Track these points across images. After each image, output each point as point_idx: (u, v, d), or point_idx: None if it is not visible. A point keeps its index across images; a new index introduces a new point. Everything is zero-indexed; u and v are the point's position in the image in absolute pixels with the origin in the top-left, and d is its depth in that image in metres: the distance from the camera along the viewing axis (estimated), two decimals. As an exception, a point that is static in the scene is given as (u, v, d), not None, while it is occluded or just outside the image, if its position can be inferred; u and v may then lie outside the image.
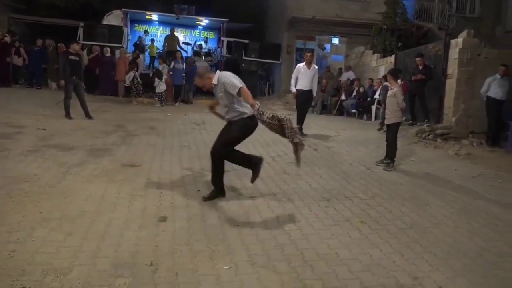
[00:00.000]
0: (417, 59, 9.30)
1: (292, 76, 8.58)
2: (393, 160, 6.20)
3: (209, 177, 5.19)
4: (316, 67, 8.54)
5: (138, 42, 15.75)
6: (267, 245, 3.44)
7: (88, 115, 8.77)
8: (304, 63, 8.48)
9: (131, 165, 5.66)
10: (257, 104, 4.03)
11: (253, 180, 4.45)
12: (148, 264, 3.01)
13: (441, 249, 3.62)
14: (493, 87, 8.44)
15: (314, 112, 12.96)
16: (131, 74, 12.22)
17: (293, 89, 8.39)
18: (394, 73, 6.62)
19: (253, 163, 4.44)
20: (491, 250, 3.67)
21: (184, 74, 12.60)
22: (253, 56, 15.42)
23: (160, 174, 5.30)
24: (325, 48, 18.42)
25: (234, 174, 5.25)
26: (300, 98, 8.35)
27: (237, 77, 4.30)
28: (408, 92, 9.44)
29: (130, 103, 12.10)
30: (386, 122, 6.43)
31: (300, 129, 8.01)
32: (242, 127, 4.33)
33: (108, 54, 13.47)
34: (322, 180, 5.41)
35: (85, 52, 13.31)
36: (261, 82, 16.49)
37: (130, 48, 15.57)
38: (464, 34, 8.89)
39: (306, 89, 8.24)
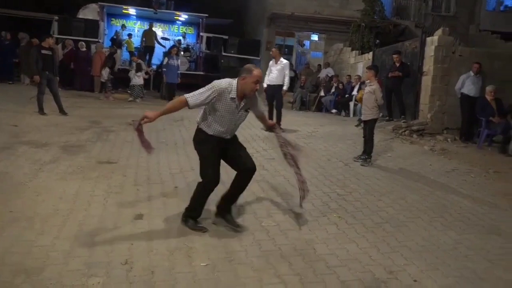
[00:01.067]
0: (394, 56, 9.44)
1: (267, 72, 8.69)
2: (370, 155, 6.28)
3: (187, 173, 5.20)
4: (285, 61, 8.49)
5: (115, 37, 15.45)
6: (244, 242, 3.43)
7: (62, 111, 8.55)
8: (273, 59, 8.57)
9: (107, 162, 5.55)
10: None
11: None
12: (123, 262, 2.95)
13: (416, 242, 3.69)
14: (467, 84, 8.64)
15: (293, 109, 13.03)
16: (107, 70, 11.98)
17: (264, 85, 8.47)
18: (375, 68, 6.68)
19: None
20: (464, 243, 3.76)
21: (179, 72, 12.00)
22: (232, 52, 15.35)
23: (137, 171, 5.21)
24: (304, 45, 18.51)
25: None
26: (268, 92, 8.44)
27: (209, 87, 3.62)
28: (385, 89, 9.58)
29: (106, 98, 11.84)
30: (364, 118, 6.48)
31: (279, 125, 8.03)
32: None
33: (84, 49, 13.15)
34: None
35: (59, 46, 12.97)
36: (240, 78, 16.39)
37: (107, 43, 15.28)
38: (439, 32, 9.06)
39: (272, 83, 8.31)
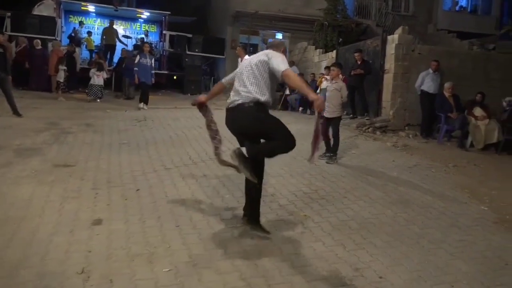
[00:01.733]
0: (356, 54, 9.59)
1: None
2: (335, 153, 6.31)
3: (150, 175, 5.04)
4: (248, 57, 8.47)
5: (73, 35, 14.86)
6: (209, 245, 3.33)
7: (16, 112, 8.10)
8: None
9: (64, 165, 5.29)
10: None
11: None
12: (79, 272, 2.79)
13: (380, 238, 3.72)
14: (426, 81, 8.90)
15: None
16: (63, 69, 11.45)
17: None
18: (341, 66, 6.73)
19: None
20: (425, 237, 3.83)
21: (153, 72, 10.90)
22: (196, 50, 15.11)
23: (96, 174, 4.99)
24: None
25: (176, 171, 5.08)
26: None
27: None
28: (348, 87, 9.72)
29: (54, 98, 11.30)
30: (328, 115, 6.40)
31: None
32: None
33: (39, 47, 12.54)
34: (265, 175, 5.32)
35: (13, 44, 12.32)
36: (205, 77, 16.23)
37: (65, 40, 14.67)
38: (399, 30, 9.28)
39: None
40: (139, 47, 15.39)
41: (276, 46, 3.67)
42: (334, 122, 6.34)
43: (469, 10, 20.55)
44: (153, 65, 10.43)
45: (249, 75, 3.39)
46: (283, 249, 3.34)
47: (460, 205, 4.81)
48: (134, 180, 4.86)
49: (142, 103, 10.42)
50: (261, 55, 3.49)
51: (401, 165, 6.42)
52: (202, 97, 3.89)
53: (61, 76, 11.35)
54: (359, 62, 9.53)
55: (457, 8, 20.45)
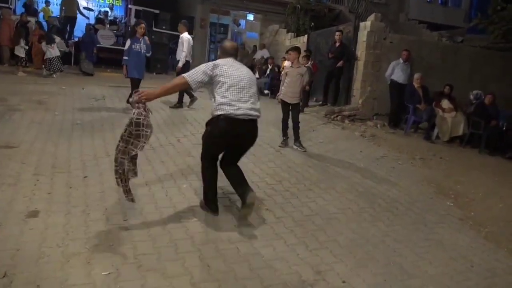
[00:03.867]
0: (337, 33, 9.25)
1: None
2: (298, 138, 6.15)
3: (102, 160, 4.63)
4: (187, 36, 8.39)
5: (28, 3, 13.77)
6: (159, 242, 3.00)
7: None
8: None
9: (6, 146, 4.77)
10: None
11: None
12: (0, 275, 2.40)
13: (345, 236, 3.51)
14: (396, 71, 8.77)
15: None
16: (22, 41, 10.58)
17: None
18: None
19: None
20: (391, 235, 3.66)
21: (144, 61, 7.77)
22: (164, 28, 14.39)
23: (40, 158, 4.52)
24: (240, 24, 18.00)
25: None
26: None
27: (209, 65, 3.30)
28: (326, 72, 9.50)
29: (14, 73, 10.49)
30: (292, 101, 6.12)
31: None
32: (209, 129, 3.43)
33: None
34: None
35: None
36: (173, 56, 15.56)
37: (19, 9, 13.60)
38: (372, 17, 9.07)
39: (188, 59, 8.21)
40: (101, 20, 14.55)
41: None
42: (295, 108, 6.14)
43: (440, 1, 20.70)
44: (146, 53, 7.61)
45: (255, 91, 3.39)
46: (240, 248, 3.06)
47: (426, 200, 4.70)
48: (83, 166, 4.43)
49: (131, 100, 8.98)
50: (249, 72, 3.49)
51: (368, 156, 6.27)
52: (151, 93, 3.20)
53: (20, 51, 10.47)
54: (337, 44, 9.24)
55: (428, -1, 20.57)
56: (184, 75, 3.25)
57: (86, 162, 4.57)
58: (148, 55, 7.69)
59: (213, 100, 3.29)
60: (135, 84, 7.43)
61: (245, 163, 5.09)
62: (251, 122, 3.26)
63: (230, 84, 3.23)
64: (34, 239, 2.85)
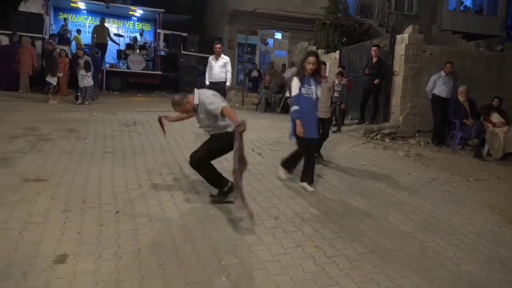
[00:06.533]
0: (373, 48, 8.77)
1: (206, 69, 8.27)
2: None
3: (134, 192, 4.35)
4: (226, 58, 8.08)
5: (61, 32, 14.08)
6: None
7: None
8: (214, 55, 8.06)
9: (35, 179, 4.57)
10: (240, 121, 3.65)
11: (213, 200, 4.21)
12: None
13: (410, 280, 3.03)
14: (438, 85, 8.25)
15: (257, 110, 12.31)
16: (59, 75, 10.67)
17: (207, 82, 8.10)
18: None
19: (221, 185, 4.19)
20: (465, 277, 3.15)
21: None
22: (192, 50, 14.42)
23: (70, 191, 4.27)
24: (267, 43, 17.88)
25: (164, 187, 4.38)
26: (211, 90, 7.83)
27: (217, 94, 4.15)
28: (363, 88, 9.07)
29: (46, 101, 10.55)
30: (325, 116, 6.15)
31: None
32: (223, 141, 4.04)
33: (6, 43, 11.73)
34: (267, 192, 4.68)
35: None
36: (202, 78, 15.49)
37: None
38: (409, 29, 8.61)
39: (215, 81, 7.92)
40: (131, 46, 14.71)
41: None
42: (328, 122, 6.33)
43: (474, 10, 19.94)
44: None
45: None
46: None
47: (494, 230, 4.14)
48: (114, 200, 4.15)
49: None
50: None
51: (417, 178, 5.75)
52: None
53: (53, 79, 10.57)
54: (374, 59, 8.78)
55: (461, 8, 19.85)
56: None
57: (118, 194, 4.30)
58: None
59: (215, 121, 4.01)
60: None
61: (284, 190, 4.73)
62: None
63: None
64: (61, 291, 2.54)
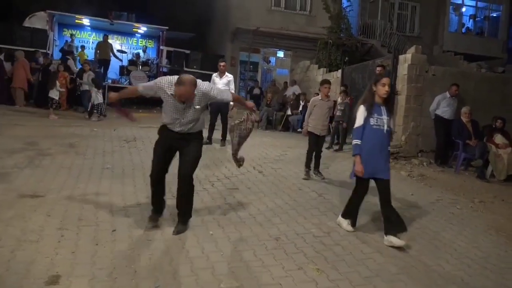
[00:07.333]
0: (378, 68, 8.71)
1: None
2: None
3: (132, 210, 4.25)
4: (231, 76, 8.09)
5: (65, 48, 14.18)
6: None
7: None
8: (218, 73, 8.05)
9: (32, 195, 4.48)
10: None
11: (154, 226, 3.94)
12: None
13: (416, 306, 2.91)
14: (442, 106, 8.22)
15: (259, 128, 12.27)
16: (57, 85, 10.68)
17: None
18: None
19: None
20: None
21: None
22: (195, 67, 14.46)
23: (67, 208, 4.18)
24: (270, 62, 17.97)
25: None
26: (212, 108, 7.91)
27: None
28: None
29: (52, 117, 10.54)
30: (322, 133, 6.24)
31: (223, 141, 7.87)
32: (201, 141, 3.96)
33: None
34: (268, 211, 4.58)
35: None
36: (204, 95, 15.55)
37: (57, 54, 14.03)
38: (412, 49, 8.63)
39: None
40: (134, 62, 14.77)
41: None
42: (322, 140, 6.33)
43: (475, 32, 20.10)
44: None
45: None
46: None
47: (501, 255, 4.02)
48: (111, 217, 4.06)
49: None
50: None
51: (421, 199, 5.64)
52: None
53: (54, 94, 10.57)
54: None
55: (463, 30, 20.02)
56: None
57: (115, 212, 4.20)
58: None
59: (200, 117, 3.82)
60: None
61: (287, 210, 4.64)
62: None
63: None
64: (52, 314, 2.43)
